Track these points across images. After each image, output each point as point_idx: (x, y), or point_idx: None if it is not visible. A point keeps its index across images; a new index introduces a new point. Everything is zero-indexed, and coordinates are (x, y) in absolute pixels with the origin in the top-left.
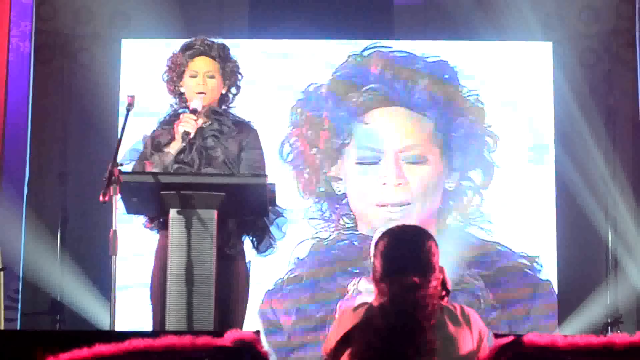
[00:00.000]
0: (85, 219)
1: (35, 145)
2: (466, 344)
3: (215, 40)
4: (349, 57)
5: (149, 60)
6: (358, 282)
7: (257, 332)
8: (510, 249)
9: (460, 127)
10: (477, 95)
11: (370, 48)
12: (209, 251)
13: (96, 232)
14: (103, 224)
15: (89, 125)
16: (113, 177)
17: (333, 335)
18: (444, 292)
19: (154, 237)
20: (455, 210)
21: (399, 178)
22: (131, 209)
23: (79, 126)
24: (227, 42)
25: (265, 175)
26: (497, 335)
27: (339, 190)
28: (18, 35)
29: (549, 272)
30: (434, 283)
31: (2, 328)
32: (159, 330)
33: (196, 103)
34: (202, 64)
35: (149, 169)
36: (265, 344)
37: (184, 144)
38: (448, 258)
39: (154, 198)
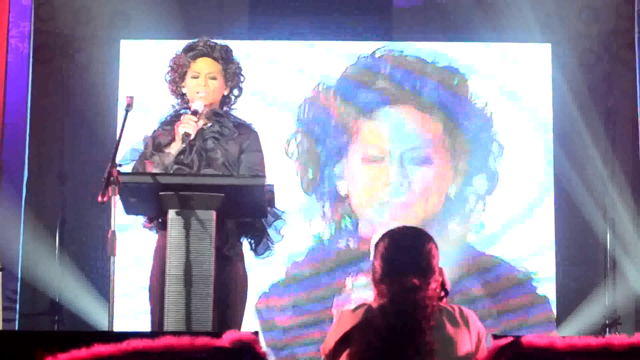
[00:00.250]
0: (84, 220)
1: (34, 145)
2: (465, 345)
3: (218, 42)
4: (359, 58)
5: (148, 61)
6: (357, 276)
7: (256, 333)
8: (509, 263)
9: (467, 131)
10: (486, 102)
11: (380, 50)
12: (208, 252)
13: (95, 233)
14: (102, 225)
15: (88, 126)
16: (112, 178)
17: (332, 335)
18: (442, 293)
19: (152, 237)
20: (457, 217)
21: (403, 178)
22: (130, 210)
23: (77, 127)
24: (227, 42)
25: (264, 177)
26: (495, 336)
27: (342, 190)
28: (17, 35)
29: (543, 279)
30: (434, 285)
31: (1, 329)
32: (157, 330)
33: (197, 104)
34: (204, 66)
35: (149, 169)
36: (264, 345)
37: (184, 145)
38: (446, 263)
39: (152, 199)
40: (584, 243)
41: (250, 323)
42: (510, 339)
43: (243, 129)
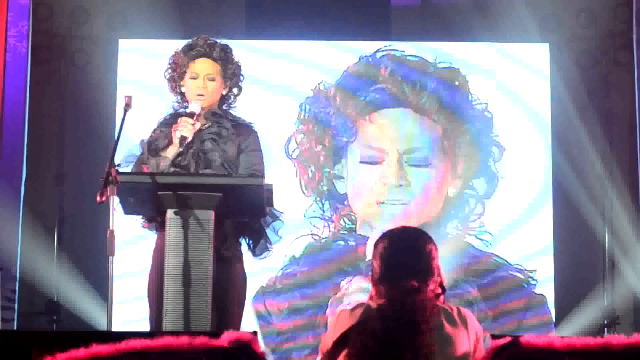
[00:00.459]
0: (82, 220)
1: (33, 145)
2: (463, 345)
3: (218, 41)
4: (360, 58)
5: (146, 60)
6: (352, 280)
7: (255, 333)
8: (507, 262)
9: (467, 133)
10: (486, 104)
11: (382, 51)
12: (206, 252)
13: (93, 233)
14: (100, 225)
15: (86, 126)
16: (110, 178)
17: (330, 335)
18: (439, 290)
19: (151, 237)
20: (456, 219)
21: (401, 179)
22: (128, 210)
23: (75, 126)
24: (225, 42)
25: (262, 176)
26: (494, 336)
27: (341, 190)
28: (15, 35)
29: (542, 279)
30: (432, 286)
31: (0, 328)
32: (156, 330)
33: (194, 106)
34: (203, 67)
35: None
36: (262, 345)
37: (181, 149)
38: (445, 265)
39: (151, 198)
40: (582, 243)
41: (247, 323)
42: (509, 339)
43: (242, 129)
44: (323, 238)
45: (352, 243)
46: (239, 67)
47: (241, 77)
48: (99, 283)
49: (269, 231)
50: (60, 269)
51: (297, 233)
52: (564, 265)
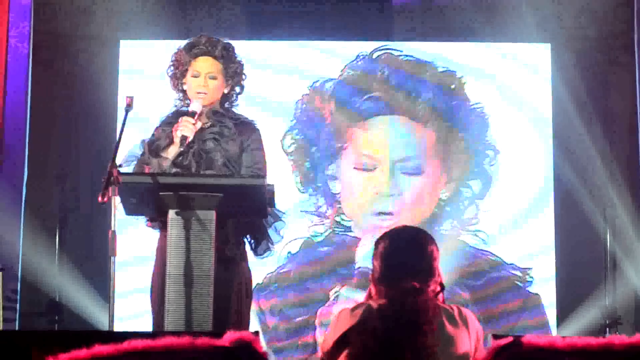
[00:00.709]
0: (84, 220)
1: (34, 145)
2: (464, 345)
3: (221, 39)
4: (358, 57)
5: (148, 61)
6: (340, 289)
7: (256, 333)
8: (503, 260)
9: (460, 141)
10: (482, 107)
11: (379, 50)
12: (208, 252)
13: (95, 233)
14: (102, 225)
15: (88, 126)
16: (112, 178)
17: (330, 335)
18: (438, 289)
19: (153, 238)
20: (451, 218)
21: (393, 189)
22: (130, 210)
23: (77, 127)
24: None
25: (264, 177)
26: (496, 336)
27: (335, 190)
28: (16, 35)
29: (543, 279)
30: (433, 287)
31: (1, 328)
32: (158, 330)
33: (195, 105)
34: (204, 65)
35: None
36: (264, 344)
37: (182, 149)
38: (442, 267)
39: (152, 199)
40: (583, 243)
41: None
42: (510, 339)
43: (244, 127)
44: (319, 234)
45: (348, 242)
46: (242, 65)
47: (243, 76)
48: (101, 283)
49: (270, 231)
50: (61, 269)
51: (293, 227)
52: (565, 265)
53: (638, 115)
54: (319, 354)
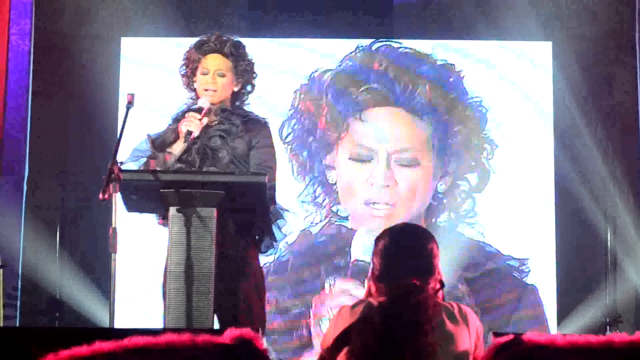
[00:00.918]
0: (85, 217)
1: (35, 142)
2: (464, 342)
3: (231, 37)
4: (357, 48)
5: (149, 58)
6: (334, 281)
7: (257, 330)
8: (499, 251)
9: (457, 135)
10: (480, 100)
11: (378, 41)
12: (209, 249)
13: (95, 230)
14: (102, 222)
15: (88, 123)
16: (113, 175)
17: (331, 332)
18: (438, 286)
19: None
20: (448, 209)
21: (388, 180)
22: (131, 207)
23: (78, 124)
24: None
25: (265, 174)
26: (496, 334)
27: (331, 180)
28: (18, 33)
29: (543, 277)
30: (433, 284)
31: (2, 325)
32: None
33: (203, 101)
34: (213, 62)
35: (153, 167)
36: (265, 342)
37: (186, 144)
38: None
39: (153, 196)
40: (584, 241)
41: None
42: (511, 337)
43: (253, 124)
44: (315, 224)
45: (344, 233)
46: (252, 64)
47: (254, 75)
48: (101, 280)
49: (273, 228)
50: (62, 266)
51: (290, 218)
52: (566, 263)
53: (639, 113)
54: (319, 350)
